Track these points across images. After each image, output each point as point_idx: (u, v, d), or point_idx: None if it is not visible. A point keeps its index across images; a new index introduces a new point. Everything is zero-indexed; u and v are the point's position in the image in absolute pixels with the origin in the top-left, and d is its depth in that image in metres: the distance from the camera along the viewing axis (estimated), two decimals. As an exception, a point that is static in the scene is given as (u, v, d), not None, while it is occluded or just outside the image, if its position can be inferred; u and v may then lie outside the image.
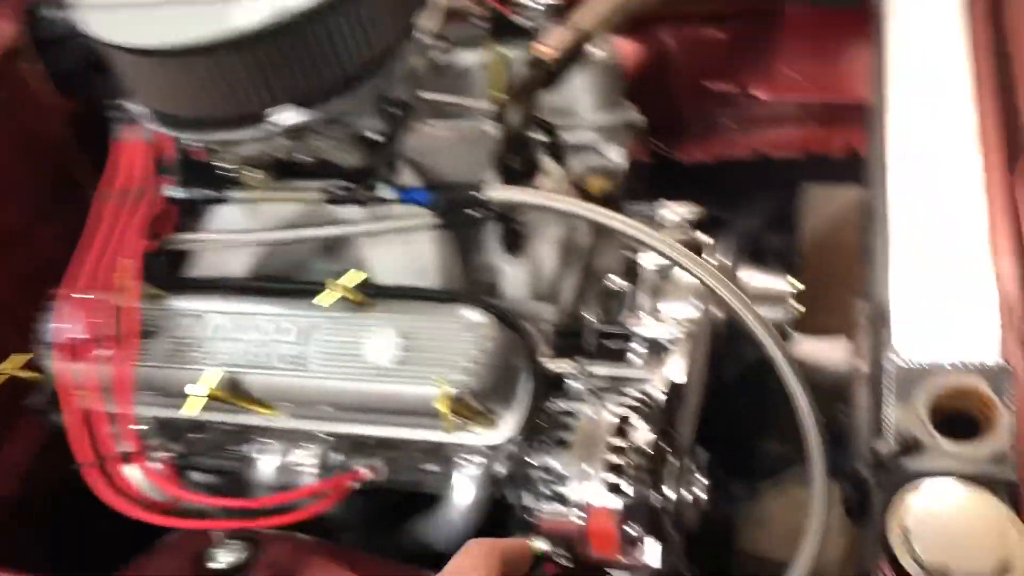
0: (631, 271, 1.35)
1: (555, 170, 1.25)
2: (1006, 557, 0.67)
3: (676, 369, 1.14)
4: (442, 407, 1.01)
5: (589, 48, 1.32)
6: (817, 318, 1.61)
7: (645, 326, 1.26)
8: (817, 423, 1.05)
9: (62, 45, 1.30)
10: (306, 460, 1.19)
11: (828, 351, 1.75)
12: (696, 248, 1.37)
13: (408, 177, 1.22)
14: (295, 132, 1.13)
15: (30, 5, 1.32)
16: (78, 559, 1.25)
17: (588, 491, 1.03)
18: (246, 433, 1.23)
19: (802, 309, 1.37)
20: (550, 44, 1.24)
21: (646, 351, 1.23)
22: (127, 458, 1.13)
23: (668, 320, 1.28)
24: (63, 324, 1.19)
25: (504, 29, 1.41)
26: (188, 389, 1.10)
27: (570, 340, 1.23)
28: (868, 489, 0.84)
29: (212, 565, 1.08)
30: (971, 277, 0.92)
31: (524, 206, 1.18)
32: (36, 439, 1.46)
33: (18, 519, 1.42)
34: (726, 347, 1.32)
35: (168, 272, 1.30)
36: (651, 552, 1.04)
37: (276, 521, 1.08)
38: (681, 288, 1.34)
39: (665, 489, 1.05)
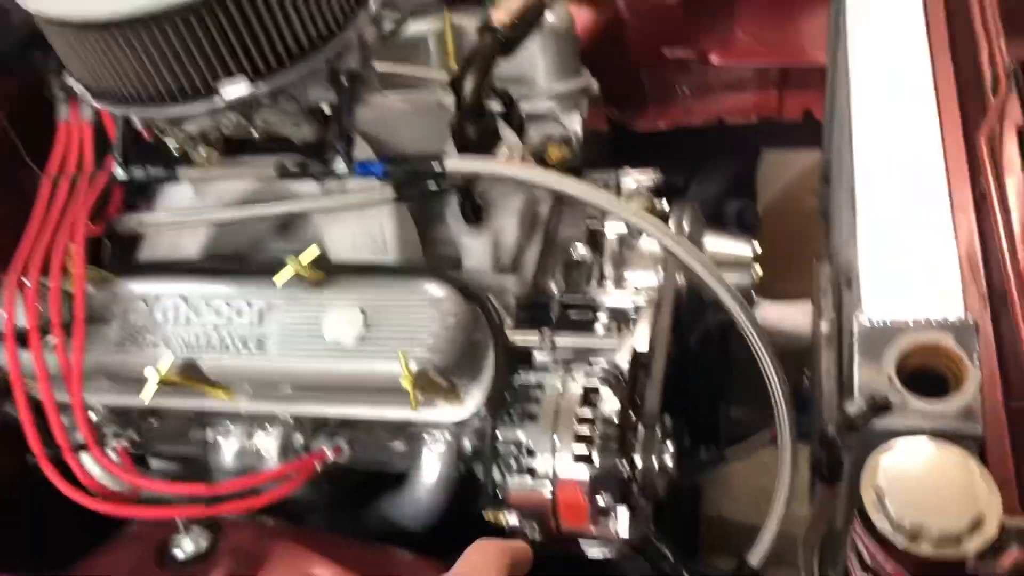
0: (594, 241, 1.34)
1: (513, 140, 1.22)
2: (978, 514, 0.67)
3: (641, 338, 1.13)
4: (406, 383, 0.99)
5: (544, 15, 1.30)
6: (777, 283, 1.62)
7: (609, 296, 1.25)
8: (784, 387, 1.05)
9: (-3, 23, 1.25)
10: (268, 443, 1.17)
11: (792, 315, 1.76)
12: (659, 215, 1.36)
13: (363, 150, 1.19)
14: (244, 106, 1.10)
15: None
16: (37, 553, 1.21)
17: (557, 463, 1.02)
18: (206, 418, 1.20)
19: (760, 273, 1.37)
20: (504, 12, 1.21)
21: (611, 321, 1.22)
22: (81, 448, 1.09)
23: (632, 289, 1.27)
24: (8, 312, 1.15)
25: (457, -3, 1.39)
26: (142, 375, 1.06)
27: (534, 312, 1.22)
28: (838, 451, 0.84)
29: (175, 553, 1.05)
30: (932, 235, 0.92)
31: (483, 176, 1.16)
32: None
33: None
34: (689, 314, 1.32)
35: (118, 255, 1.27)
36: (621, 522, 1.03)
37: (238, 506, 1.06)
38: (644, 256, 1.33)
39: (634, 458, 1.04)
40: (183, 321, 1.12)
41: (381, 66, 1.31)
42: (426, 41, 1.46)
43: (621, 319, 1.23)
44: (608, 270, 1.32)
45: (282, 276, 1.07)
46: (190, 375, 1.09)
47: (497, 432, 1.06)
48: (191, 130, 1.15)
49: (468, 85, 1.15)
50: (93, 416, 1.19)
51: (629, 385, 1.08)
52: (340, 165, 1.14)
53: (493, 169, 1.13)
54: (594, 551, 1.09)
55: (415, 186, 1.15)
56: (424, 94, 1.33)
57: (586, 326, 1.22)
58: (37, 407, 1.11)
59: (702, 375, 1.57)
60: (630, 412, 1.07)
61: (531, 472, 1.03)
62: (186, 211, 1.24)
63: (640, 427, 1.07)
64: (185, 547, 1.05)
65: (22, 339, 1.12)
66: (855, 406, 0.77)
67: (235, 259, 1.24)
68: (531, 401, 1.07)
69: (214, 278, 1.17)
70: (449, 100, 1.19)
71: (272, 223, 1.26)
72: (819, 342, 1.15)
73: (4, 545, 1.24)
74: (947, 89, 1.05)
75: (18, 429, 1.12)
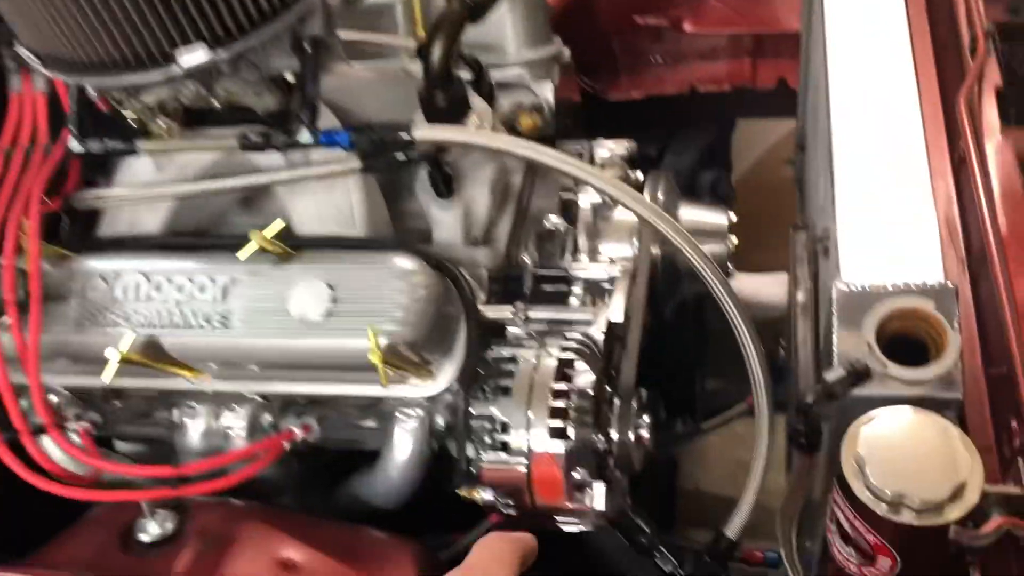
0: (567, 212, 1.31)
1: (483, 108, 1.19)
2: (960, 482, 0.66)
3: (616, 310, 1.11)
4: (375, 359, 0.97)
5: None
6: (752, 254, 1.61)
7: (584, 267, 1.23)
8: (760, 357, 1.04)
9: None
10: (235, 423, 1.14)
11: (767, 287, 1.75)
12: (634, 185, 1.34)
13: (329, 121, 1.15)
14: (204, 74, 1.06)
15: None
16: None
17: (531, 437, 1.00)
18: (171, 398, 1.17)
19: (736, 242, 1.36)
20: (472, -25, 1.18)
21: (586, 293, 1.20)
22: (40, 431, 1.06)
23: (607, 260, 1.25)
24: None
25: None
26: (103, 354, 1.03)
27: (507, 285, 1.19)
28: (816, 420, 0.83)
29: (140, 537, 1.02)
30: (911, 200, 0.90)
31: (453, 145, 1.13)
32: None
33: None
34: (664, 285, 1.30)
35: (76, 232, 1.23)
36: (597, 496, 1.02)
37: (205, 488, 1.03)
38: (619, 227, 1.31)
39: (610, 431, 1.02)
40: (144, 298, 1.08)
41: (346, 34, 1.27)
42: (393, 8, 1.42)
43: (596, 291, 1.21)
44: (582, 241, 1.30)
45: (246, 251, 1.03)
46: (152, 354, 1.06)
47: (470, 408, 1.04)
48: (149, 100, 1.11)
49: (436, 52, 1.12)
50: (54, 398, 1.15)
51: (604, 357, 1.07)
52: (304, 135, 1.10)
53: (463, 138, 1.10)
54: (570, 526, 1.08)
55: (382, 156, 1.11)
56: (391, 62, 1.29)
57: (560, 298, 1.20)
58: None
59: (678, 347, 1.55)
60: (605, 385, 1.06)
61: (505, 447, 1.01)
62: (146, 185, 1.20)
63: (616, 400, 1.05)
64: (150, 530, 1.02)
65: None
66: (834, 374, 0.76)
67: (198, 234, 1.20)
68: (504, 375, 1.04)
69: (176, 254, 1.13)
70: (417, 68, 1.15)
71: (236, 197, 1.22)
72: (795, 312, 1.14)
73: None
74: (924, 51, 1.04)
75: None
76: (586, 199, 1.30)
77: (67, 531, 1.07)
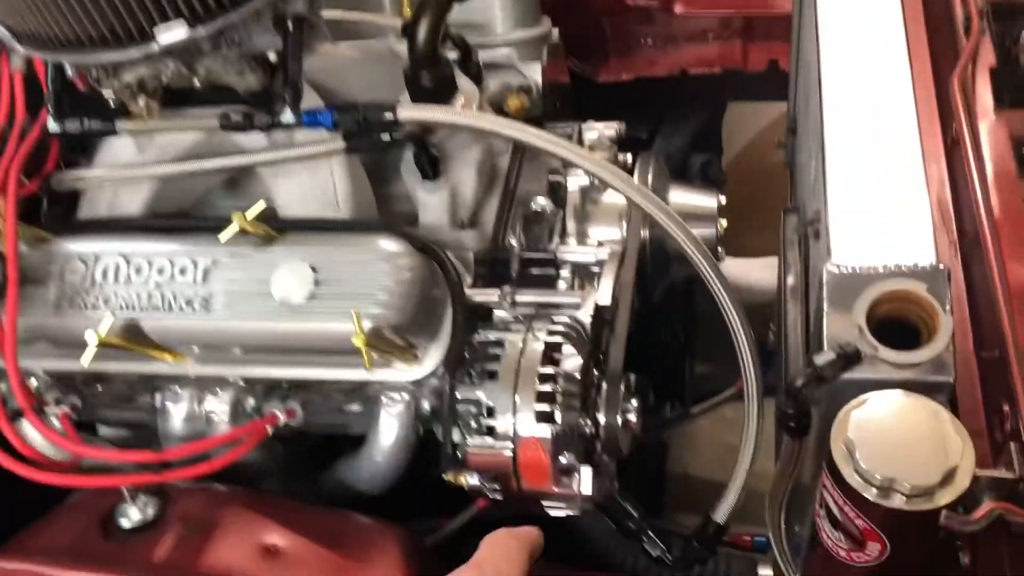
0: (555, 194, 1.29)
1: (470, 88, 1.18)
2: (951, 467, 0.65)
3: (604, 293, 1.10)
4: (359, 343, 0.95)
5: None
6: (742, 239, 1.59)
7: (572, 250, 1.21)
8: (750, 341, 1.03)
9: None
10: (218, 407, 1.12)
11: (757, 270, 1.74)
12: (623, 167, 1.33)
13: (313, 102, 1.13)
14: (184, 52, 1.04)
15: None
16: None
17: (518, 422, 0.99)
18: (153, 382, 1.15)
19: (725, 225, 1.34)
20: (459, -47, 1.15)
21: (574, 276, 1.18)
22: (18, 416, 1.04)
23: (595, 243, 1.24)
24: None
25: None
26: (82, 338, 1.01)
27: (494, 268, 1.18)
28: (806, 404, 0.82)
29: (121, 522, 1.01)
30: (903, 181, 0.89)
31: (439, 125, 1.11)
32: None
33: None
34: (653, 268, 1.28)
35: (56, 214, 1.20)
36: (584, 480, 1.01)
37: (186, 473, 1.01)
38: (608, 210, 1.30)
39: (597, 415, 1.01)
40: (124, 281, 1.07)
41: (331, 13, 1.25)
42: (378, -14, 1.40)
43: (584, 274, 1.20)
44: (571, 224, 1.28)
45: (227, 232, 1.02)
46: (132, 337, 1.04)
47: (456, 392, 1.02)
48: (128, 79, 1.08)
49: (422, 32, 1.09)
50: (34, 382, 1.14)
51: (592, 341, 1.05)
52: (287, 115, 1.08)
53: (448, 118, 1.08)
54: (557, 510, 1.06)
55: (367, 137, 1.09)
56: (377, 42, 1.27)
57: (548, 282, 1.19)
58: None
59: (667, 330, 1.54)
60: (593, 368, 1.04)
61: (491, 432, 1.00)
62: (126, 167, 1.18)
63: (603, 384, 1.03)
64: (131, 516, 1.01)
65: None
66: (824, 357, 0.75)
67: (179, 216, 1.18)
68: (491, 359, 1.03)
69: (157, 236, 1.11)
70: (403, 48, 1.13)
71: (219, 179, 1.21)
72: (785, 295, 1.13)
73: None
74: (917, 31, 1.02)
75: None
76: (575, 181, 1.28)
77: (46, 517, 1.05)
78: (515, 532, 0.85)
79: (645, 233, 1.26)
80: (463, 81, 1.18)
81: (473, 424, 1.01)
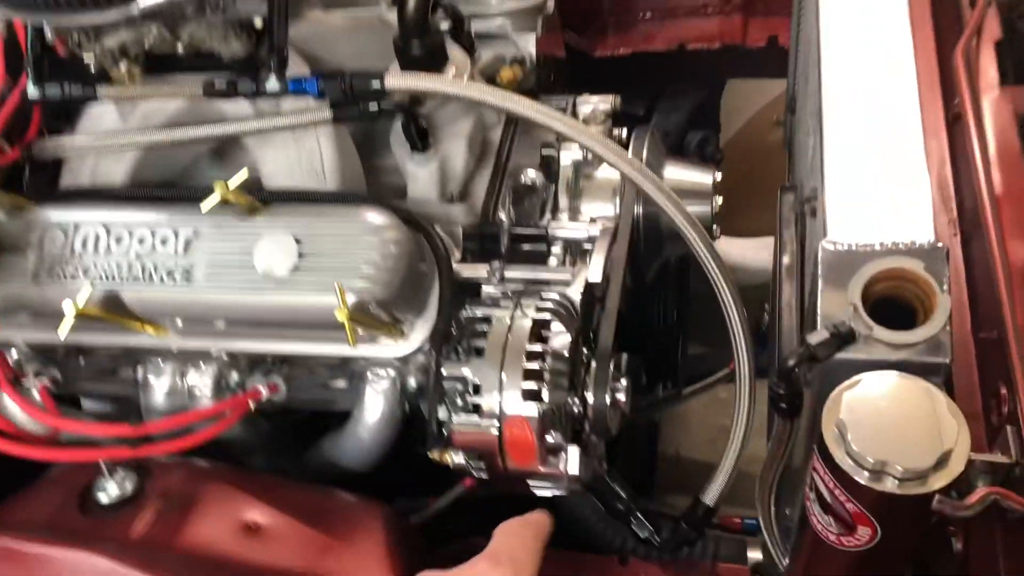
0: (548, 169, 1.27)
1: (462, 58, 1.15)
2: (945, 451, 0.62)
3: (595, 270, 1.07)
4: (342, 317, 0.93)
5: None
6: (738, 219, 1.57)
7: (563, 226, 1.19)
8: (743, 321, 1.00)
9: None
10: (201, 382, 1.10)
11: (753, 250, 1.72)
12: (618, 141, 1.30)
13: (300, 70, 1.10)
14: (167, 16, 1.01)
15: None
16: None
17: (504, 400, 0.97)
18: (136, 355, 1.13)
19: (720, 202, 1.32)
20: (452, -82, 1.12)
21: (565, 252, 1.16)
22: (-7, 387, 1.02)
23: (588, 219, 1.21)
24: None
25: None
26: (61, 308, 0.99)
27: (484, 243, 1.15)
28: (798, 384, 0.80)
29: (99, 497, 0.99)
30: (902, 157, 0.86)
31: (427, 95, 1.08)
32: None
33: None
34: (647, 245, 1.26)
35: (38, 182, 1.18)
36: (571, 460, 0.99)
37: (164, 448, 0.99)
38: (602, 185, 1.27)
39: (585, 394, 0.99)
40: (104, 251, 1.04)
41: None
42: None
43: (576, 251, 1.17)
44: (563, 200, 1.26)
45: (208, 202, 0.99)
46: (111, 308, 1.02)
47: (442, 368, 1.00)
48: (110, 44, 1.06)
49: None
50: (14, 353, 1.11)
51: (581, 318, 1.03)
52: (272, 83, 1.05)
53: (436, 86, 1.05)
54: (543, 490, 1.05)
55: (354, 106, 1.07)
56: (367, 10, 1.24)
57: (538, 258, 1.16)
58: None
59: (660, 310, 1.52)
60: (582, 346, 1.02)
61: (477, 409, 0.98)
62: (108, 134, 1.15)
63: (592, 362, 1.01)
64: (110, 491, 0.99)
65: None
66: (817, 336, 0.73)
67: (163, 186, 1.15)
68: (478, 335, 1.01)
69: (138, 205, 1.08)
70: (393, 16, 1.10)
71: (204, 149, 1.18)
72: (781, 275, 1.11)
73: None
74: (921, 3, 0.99)
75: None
76: (568, 156, 1.26)
77: (24, 491, 1.03)
78: (528, 521, 0.85)
79: (639, 209, 1.24)
80: (455, 51, 1.15)
81: (459, 401, 0.99)
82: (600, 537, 1.11)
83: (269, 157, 1.12)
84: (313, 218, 1.02)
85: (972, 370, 0.76)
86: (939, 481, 0.63)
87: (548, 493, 1.05)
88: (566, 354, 0.98)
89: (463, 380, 0.99)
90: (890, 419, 0.65)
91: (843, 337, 0.72)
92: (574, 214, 1.25)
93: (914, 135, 0.88)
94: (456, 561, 1.09)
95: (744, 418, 1.01)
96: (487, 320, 1.02)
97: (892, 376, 0.67)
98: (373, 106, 1.06)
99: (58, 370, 1.13)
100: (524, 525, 0.85)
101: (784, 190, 1.28)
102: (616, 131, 1.33)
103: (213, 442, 1.04)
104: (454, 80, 1.09)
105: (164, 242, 1.03)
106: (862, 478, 0.64)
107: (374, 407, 1.08)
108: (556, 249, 1.16)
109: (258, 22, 1.07)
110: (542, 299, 1.03)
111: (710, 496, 1.03)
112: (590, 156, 1.26)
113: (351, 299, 0.95)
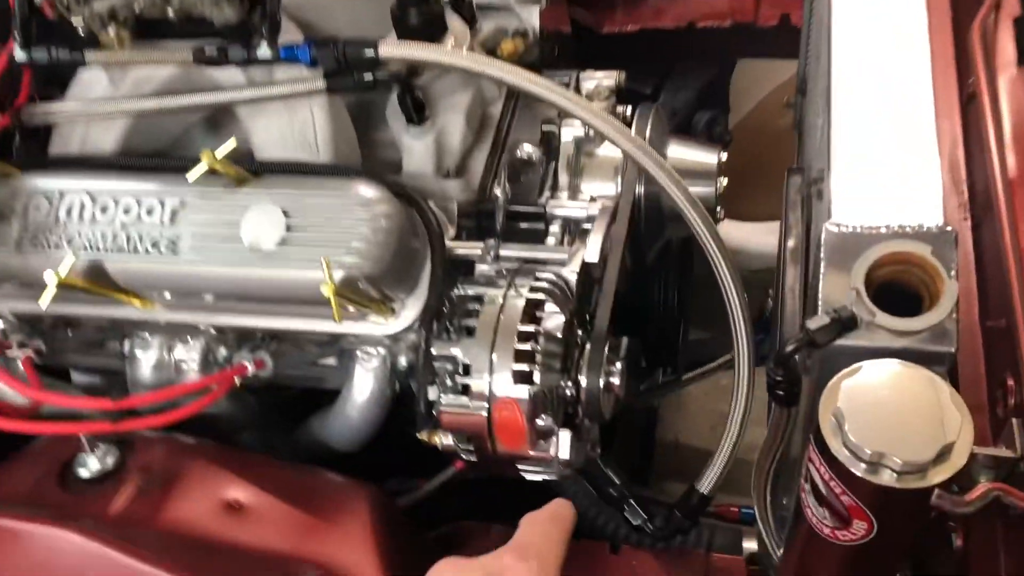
0: (548, 146, 1.24)
1: (461, 29, 1.11)
2: (947, 443, 0.59)
3: (593, 250, 1.04)
4: (328, 292, 0.90)
5: None
6: (745, 203, 1.53)
7: (562, 205, 1.16)
8: (743, 307, 0.97)
9: None
10: (188, 356, 1.07)
11: (757, 234, 1.68)
12: (622, 119, 1.26)
13: (296, 39, 1.07)
14: (155, -21, 0.98)
15: None
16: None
17: (494, 381, 0.94)
18: (123, 328, 1.11)
19: (725, 183, 1.28)
20: None
21: (564, 232, 1.13)
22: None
23: (587, 198, 1.18)
24: None
25: None
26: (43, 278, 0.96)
27: (480, 220, 1.12)
28: (796, 370, 0.77)
29: (79, 472, 0.97)
30: (912, 138, 0.83)
31: (423, 64, 1.05)
32: None
33: None
34: (647, 227, 1.23)
35: (28, 149, 1.15)
36: (563, 444, 0.96)
37: (146, 423, 0.97)
38: (603, 163, 1.24)
39: (579, 377, 0.96)
40: (88, 219, 1.02)
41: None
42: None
43: (574, 230, 1.14)
44: (563, 178, 1.23)
45: (195, 171, 0.96)
46: (95, 279, 1.00)
47: (432, 347, 0.97)
48: (99, 7, 1.03)
49: (413, -33, 1.03)
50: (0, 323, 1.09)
51: (577, 299, 1.00)
52: (264, 50, 1.02)
53: (432, 56, 1.01)
54: (534, 474, 1.02)
55: (348, 76, 1.04)
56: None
57: (535, 237, 1.13)
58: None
59: (661, 293, 1.49)
60: (577, 328, 0.99)
61: (466, 390, 0.95)
62: (97, 101, 1.13)
63: (587, 344, 0.98)
64: (90, 466, 0.97)
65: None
66: (817, 321, 0.69)
67: (152, 155, 1.13)
68: (469, 314, 0.98)
69: (125, 174, 1.06)
70: (391, -17, 1.07)
71: (195, 118, 1.15)
72: (785, 258, 1.07)
73: None
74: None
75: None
76: (569, 132, 1.23)
77: (3, 465, 1.01)
78: (555, 515, 0.84)
79: (640, 189, 1.21)
80: (454, 21, 1.12)
81: (449, 382, 0.96)
82: (591, 523, 1.08)
83: (261, 127, 1.09)
84: (302, 190, 0.99)
85: (978, 359, 0.73)
86: (939, 475, 0.60)
87: (539, 477, 1.02)
88: (559, 335, 0.95)
89: (453, 360, 0.96)
90: (890, 409, 0.61)
91: (844, 323, 0.69)
92: (574, 192, 1.22)
93: (926, 114, 0.84)
94: (446, 544, 1.07)
95: (742, 405, 0.98)
96: (479, 299, 0.99)
97: (894, 364, 0.64)
98: (368, 76, 1.03)
99: (44, 341, 1.11)
100: (550, 518, 0.84)
101: (792, 172, 1.24)
102: (620, 109, 1.29)
103: (200, 418, 1.01)
104: (452, 51, 1.05)
105: (150, 212, 1.00)
106: (859, 470, 0.61)
107: (363, 386, 1.05)
108: (554, 228, 1.13)
109: (250, -13, 1.04)
110: (536, 278, 1.00)
111: (705, 484, 1.01)
112: (592, 133, 1.23)
113: (339, 274, 0.92)
